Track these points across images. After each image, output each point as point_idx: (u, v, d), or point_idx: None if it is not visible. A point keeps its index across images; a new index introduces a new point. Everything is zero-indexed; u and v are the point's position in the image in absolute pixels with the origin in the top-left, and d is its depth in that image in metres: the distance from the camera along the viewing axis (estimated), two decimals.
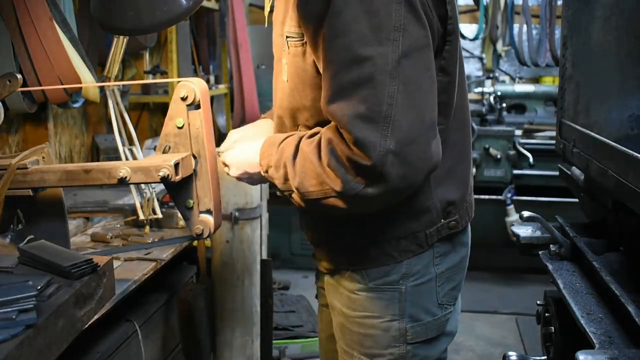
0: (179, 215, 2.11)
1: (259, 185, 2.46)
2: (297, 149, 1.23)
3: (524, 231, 1.72)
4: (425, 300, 1.36)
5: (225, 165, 1.43)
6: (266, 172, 1.31)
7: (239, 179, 1.42)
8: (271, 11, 1.40)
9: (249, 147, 1.38)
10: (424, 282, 1.35)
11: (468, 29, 5.07)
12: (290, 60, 1.29)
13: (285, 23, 1.27)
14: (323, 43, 1.16)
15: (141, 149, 2.40)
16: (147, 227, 2.15)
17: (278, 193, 1.34)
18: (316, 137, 1.22)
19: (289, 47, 1.27)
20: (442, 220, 1.34)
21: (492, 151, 4.15)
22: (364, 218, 1.31)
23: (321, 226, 1.43)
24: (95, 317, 1.39)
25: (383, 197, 1.16)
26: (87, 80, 2.05)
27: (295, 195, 1.26)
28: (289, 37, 1.27)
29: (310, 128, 1.31)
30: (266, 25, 1.44)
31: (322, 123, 1.26)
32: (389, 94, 1.11)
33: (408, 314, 1.35)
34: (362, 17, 1.10)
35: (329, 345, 1.57)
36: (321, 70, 1.19)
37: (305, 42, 1.23)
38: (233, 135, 1.51)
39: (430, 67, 1.17)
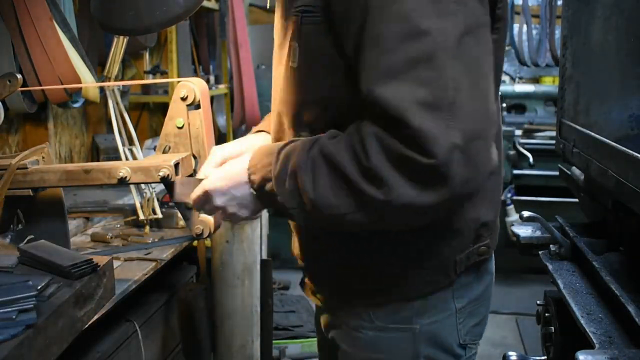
0: (179, 215, 2.11)
1: None
2: (310, 153, 0.98)
3: (524, 231, 1.72)
4: (444, 340, 1.13)
5: (200, 198, 1.11)
6: (260, 187, 1.03)
7: (223, 211, 1.11)
8: None
9: (232, 165, 1.11)
10: (441, 320, 1.12)
11: None
12: (305, 41, 1.04)
13: None
14: (368, 14, 0.92)
15: (141, 149, 2.40)
16: (147, 227, 2.15)
17: (272, 212, 1.09)
18: (343, 137, 0.97)
19: (303, 24, 1.02)
20: (472, 245, 1.11)
21: None
22: (381, 241, 1.07)
23: (321, 247, 1.17)
24: (95, 317, 1.39)
25: (441, 207, 0.92)
26: (87, 80, 2.05)
27: (305, 211, 0.99)
28: (305, 11, 1.02)
29: (313, 132, 1.05)
30: (267, 5, 1.26)
31: (333, 124, 1.03)
32: (452, 75, 0.89)
33: (423, 355, 1.13)
34: None
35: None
36: (360, 47, 0.95)
37: (328, 16, 1.00)
38: (216, 153, 1.20)
39: (490, 48, 0.97)
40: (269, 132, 1.27)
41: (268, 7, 1.27)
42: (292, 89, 1.09)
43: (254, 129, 1.36)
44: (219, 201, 1.09)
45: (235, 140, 1.27)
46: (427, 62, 0.89)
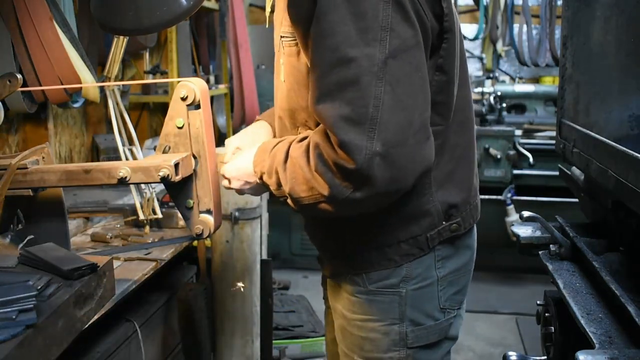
0: (179, 215, 2.11)
1: None
2: (287, 155, 1.22)
3: (524, 231, 1.72)
4: (426, 304, 1.34)
5: (226, 178, 1.41)
6: (261, 178, 1.31)
7: (241, 191, 1.41)
8: (272, 12, 1.39)
9: (244, 157, 1.37)
10: (424, 286, 1.33)
11: (468, 29, 5.07)
12: (286, 60, 1.28)
13: (282, 24, 1.27)
14: (311, 44, 1.15)
15: (141, 149, 2.40)
16: (147, 227, 2.15)
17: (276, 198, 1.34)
18: (304, 142, 1.21)
19: (284, 47, 1.27)
20: (444, 223, 1.31)
21: (492, 151, 4.15)
22: (364, 222, 1.29)
23: (322, 231, 1.43)
24: (95, 317, 1.39)
25: (372, 201, 1.15)
26: (87, 80, 2.05)
27: (289, 201, 1.26)
28: (283, 37, 1.26)
29: (310, 128, 1.30)
30: (267, 25, 1.44)
31: (317, 125, 1.25)
32: (375, 95, 1.08)
33: (408, 318, 1.33)
34: (348, 18, 1.09)
35: (334, 347, 1.55)
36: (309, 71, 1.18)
37: (298, 44, 1.23)
38: (231, 143, 1.49)
39: (420, 67, 1.14)
40: (266, 121, 1.55)
41: (266, 15, 1.37)
42: (284, 98, 1.34)
43: (258, 117, 1.61)
44: (235, 184, 1.39)
45: (242, 131, 1.55)
46: (353, 85, 1.09)
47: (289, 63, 1.28)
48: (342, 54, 1.09)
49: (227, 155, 1.46)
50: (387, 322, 1.34)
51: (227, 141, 1.50)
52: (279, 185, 1.25)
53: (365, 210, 1.21)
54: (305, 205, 1.21)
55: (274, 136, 1.51)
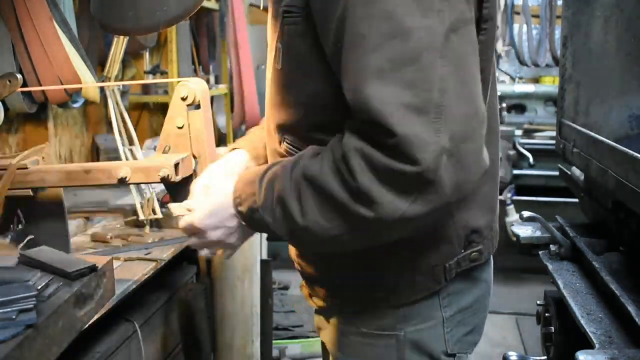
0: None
1: None
2: (295, 177, 0.96)
3: (524, 231, 1.72)
4: (430, 348, 1.11)
5: (197, 233, 1.10)
6: (249, 218, 1.03)
7: (220, 243, 1.12)
8: None
9: (215, 195, 1.09)
10: (427, 328, 1.11)
11: None
12: (286, 41, 1.01)
13: None
14: (349, 11, 0.88)
15: (141, 149, 2.40)
16: (147, 227, 2.14)
17: (267, 238, 1.11)
18: (326, 156, 0.93)
19: (285, 24, 1.00)
20: (463, 251, 1.08)
21: None
22: (371, 252, 1.03)
23: (315, 257, 1.17)
24: (95, 317, 1.39)
25: (433, 214, 0.90)
26: (87, 80, 2.05)
27: (300, 237, 0.99)
28: (287, 12, 0.99)
29: (295, 135, 1.05)
30: (261, 7, 1.33)
31: (314, 128, 1.02)
32: (439, 76, 0.85)
33: None
34: None
35: None
36: (342, 48, 0.90)
37: (308, 16, 0.96)
38: (198, 184, 1.18)
39: (476, 46, 0.93)
40: (245, 148, 1.27)
41: (262, 8, 1.30)
42: (276, 91, 1.07)
43: (230, 146, 1.33)
44: (213, 235, 1.09)
45: (210, 167, 1.24)
46: (412, 63, 0.85)
47: (289, 46, 1.01)
48: (397, 24, 0.85)
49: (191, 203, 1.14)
50: None
51: (193, 184, 1.20)
52: (285, 219, 0.97)
53: (411, 232, 0.96)
54: (329, 239, 0.94)
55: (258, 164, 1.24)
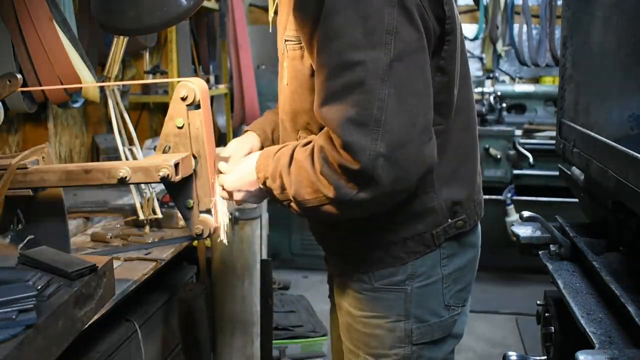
0: (179, 215, 2.11)
1: None
2: (292, 158, 1.24)
3: (524, 231, 1.72)
4: (431, 302, 1.36)
5: (226, 191, 1.40)
6: (264, 184, 1.31)
7: (242, 202, 1.40)
8: (275, 14, 1.41)
9: (244, 165, 1.38)
10: (430, 284, 1.35)
11: (468, 29, 5.06)
12: (289, 63, 1.30)
13: (286, 27, 1.29)
14: (317, 46, 1.16)
15: (141, 149, 2.40)
16: (147, 227, 2.15)
17: (278, 204, 1.34)
18: (309, 146, 1.22)
19: (288, 50, 1.29)
20: (449, 220, 1.33)
21: (492, 151, 4.16)
22: (369, 222, 1.30)
23: (327, 232, 1.44)
24: (95, 317, 1.39)
25: (377, 201, 1.17)
26: (87, 80, 2.05)
27: (293, 204, 1.26)
28: (287, 40, 1.28)
29: (310, 132, 1.32)
30: (270, 30, 1.46)
31: (319, 128, 1.27)
32: (379, 97, 1.10)
33: (414, 315, 1.35)
34: (354, 21, 1.10)
35: (340, 344, 1.56)
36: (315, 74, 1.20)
37: (303, 46, 1.24)
38: (225, 150, 1.50)
39: (424, 69, 1.16)
40: (256, 132, 1.59)
41: (269, 18, 1.38)
42: (287, 102, 1.36)
43: (245, 128, 1.64)
44: (238, 196, 1.38)
45: (234, 140, 1.57)
46: (358, 87, 1.11)
47: (292, 66, 1.30)
48: (348, 58, 1.11)
49: (222, 165, 1.44)
50: (392, 319, 1.36)
51: (226, 148, 1.53)
52: (283, 188, 1.25)
53: (369, 212, 1.23)
54: (310, 208, 1.23)
55: (261, 147, 1.54)
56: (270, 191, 1.30)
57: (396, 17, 1.11)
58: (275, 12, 1.41)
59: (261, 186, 1.33)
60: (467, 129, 1.37)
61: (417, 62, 1.14)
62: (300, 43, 1.25)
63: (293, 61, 1.29)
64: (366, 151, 1.10)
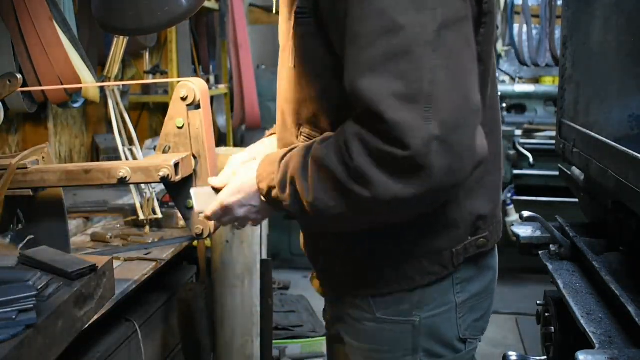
0: (179, 215, 2.11)
1: None
2: (306, 159, 1.03)
3: (524, 231, 1.72)
4: (443, 333, 1.16)
5: (224, 209, 1.18)
6: (267, 195, 1.10)
7: (243, 219, 1.19)
8: None
9: (241, 176, 1.17)
10: (441, 313, 1.15)
11: None
12: (298, 42, 1.09)
13: (295, 1, 1.09)
14: (349, 10, 0.95)
15: (141, 149, 2.40)
16: (147, 227, 2.14)
17: (284, 216, 1.17)
18: (331, 140, 1.01)
19: (298, 25, 1.07)
20: (469, 238, 1.13)
21: None
22: (377, 233, 1.11)
23: (326, 245, 1.21)
24: (95, 317, 1.39)
25: (422, 200, 0.95)
26: (87, 80, 2.05)
27: (305, 215, 1.05)
28: (299, 13, 1.06)
29: (315, 126, 1.12)
30: (274, 10, 1.30)
31: (330, 119, 1.09)
32: (430, 68, 0.91)
33: (423, 348, 1.15)
34: None
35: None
36: (345, 45, 0.98)
37: (318, 17, 1.04)
38: (232, 162, 1.27)
39: (471, 42, 0.98)
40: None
41: (274, 11, 1.29)
42: (291, 88, 1.14)
43: (267, 132, 1.41)
44: (240, 212, 1.17)
45: (248, 148, 1.35)
46: (404, 56, 0.91)
47: (302, 45, 1.09)
48: (390, 21, 0.91)
49: (222, 177, 1.25)
50: (398, 354, 1.16)
51: (231, 158, 1.29)
52: (296, 197, 1.04)
53: (413, 213, 1.03)
54: (333, 217, 1.01)
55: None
56: (277, 203, 1.10)
57: None
58: None
59: (263, 198, 1.13)
60: (494, 132, 1.18)
61: (465, 32, 0.97)
62: (314, 14, 1.04)
63: (302, 39, 1.08)
64: (419, 132, 0.89)
